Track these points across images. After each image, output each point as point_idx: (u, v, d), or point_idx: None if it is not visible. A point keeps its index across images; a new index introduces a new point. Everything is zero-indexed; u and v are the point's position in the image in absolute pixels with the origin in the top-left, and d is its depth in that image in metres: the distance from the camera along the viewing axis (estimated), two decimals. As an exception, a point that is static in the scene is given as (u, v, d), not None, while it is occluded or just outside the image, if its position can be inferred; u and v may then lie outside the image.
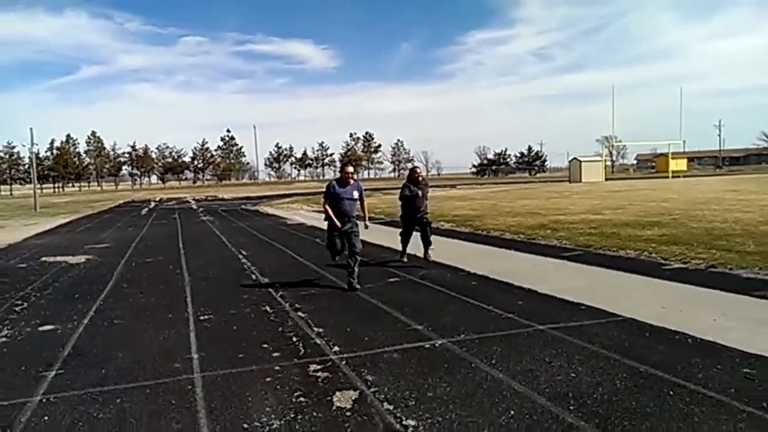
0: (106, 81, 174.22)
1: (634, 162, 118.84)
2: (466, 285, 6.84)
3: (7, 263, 10.39)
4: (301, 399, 3.46)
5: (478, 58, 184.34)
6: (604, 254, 8.78)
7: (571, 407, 3.18)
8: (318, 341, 4.68)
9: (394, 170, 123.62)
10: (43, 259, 10.77)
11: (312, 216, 19.83)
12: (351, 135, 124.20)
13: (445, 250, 9.41)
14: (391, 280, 7.32)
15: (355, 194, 6.80)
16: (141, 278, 8.32)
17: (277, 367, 4.05)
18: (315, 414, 3.23)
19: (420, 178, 8.60)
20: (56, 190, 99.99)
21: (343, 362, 4.12)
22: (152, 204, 38.14)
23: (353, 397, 3.45)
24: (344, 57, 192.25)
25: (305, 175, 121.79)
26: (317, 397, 3.49)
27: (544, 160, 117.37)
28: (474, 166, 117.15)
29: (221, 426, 3.11)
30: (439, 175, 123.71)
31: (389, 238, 10.38)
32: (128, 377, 3.96)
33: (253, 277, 8.03)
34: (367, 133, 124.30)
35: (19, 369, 4.23)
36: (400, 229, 8.81)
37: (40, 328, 5.45)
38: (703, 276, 6.85)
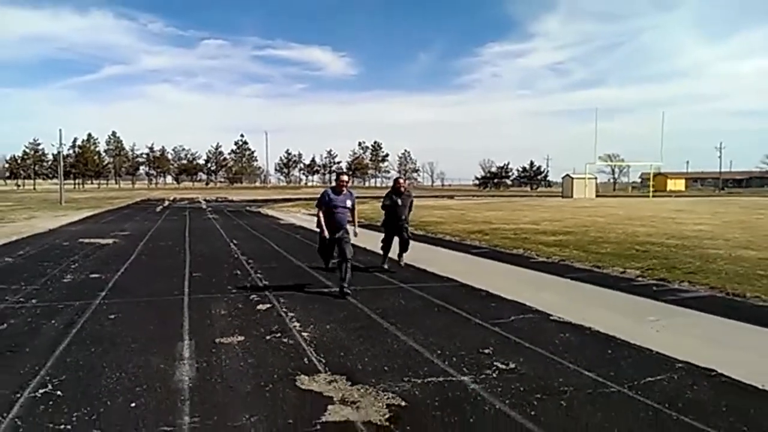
0: (127, 80, 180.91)
1: (638, 180, 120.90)
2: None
3: (54, 242, 13.52)
4: (239, 306, 6.40)
5: (495, 71, 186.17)
6: (502, 252, 11.60)
7: (376, 313, 6.06)
8: (262, 286, 7.61)
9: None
10: (80, 240, 13.87)
11: (304, 218, 22.79)
12: (360, 144, 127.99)
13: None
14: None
15: (348, 203, 7.31)
16: (155, 254, 11.35)
17: (232, 296, 6.99)
18: (245, 310, 6.16)
19: (403, 189, 9.23)
20: (76, 186, 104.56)
21: (272, 295, 7.03)
22: (166, 203, 41.56)
23: (268, 306, 6.38)
24: (362, 65, 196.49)
25: (315, 181, 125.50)
26: (249, 305, 6.42)
27: (546, 175, 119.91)
28: (476, 178, 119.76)
29: (195, 312, 6.06)
30: (443, 186, 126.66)
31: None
32: (147, 297, 6.94)
33: (236, 256, 10.99)
34: (375, 142, 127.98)
35: (83, 292, 7.22)
36: (382, 236, 9.45)
37: (91, 276, 8.46)
38: (551, 266, 9.64)
